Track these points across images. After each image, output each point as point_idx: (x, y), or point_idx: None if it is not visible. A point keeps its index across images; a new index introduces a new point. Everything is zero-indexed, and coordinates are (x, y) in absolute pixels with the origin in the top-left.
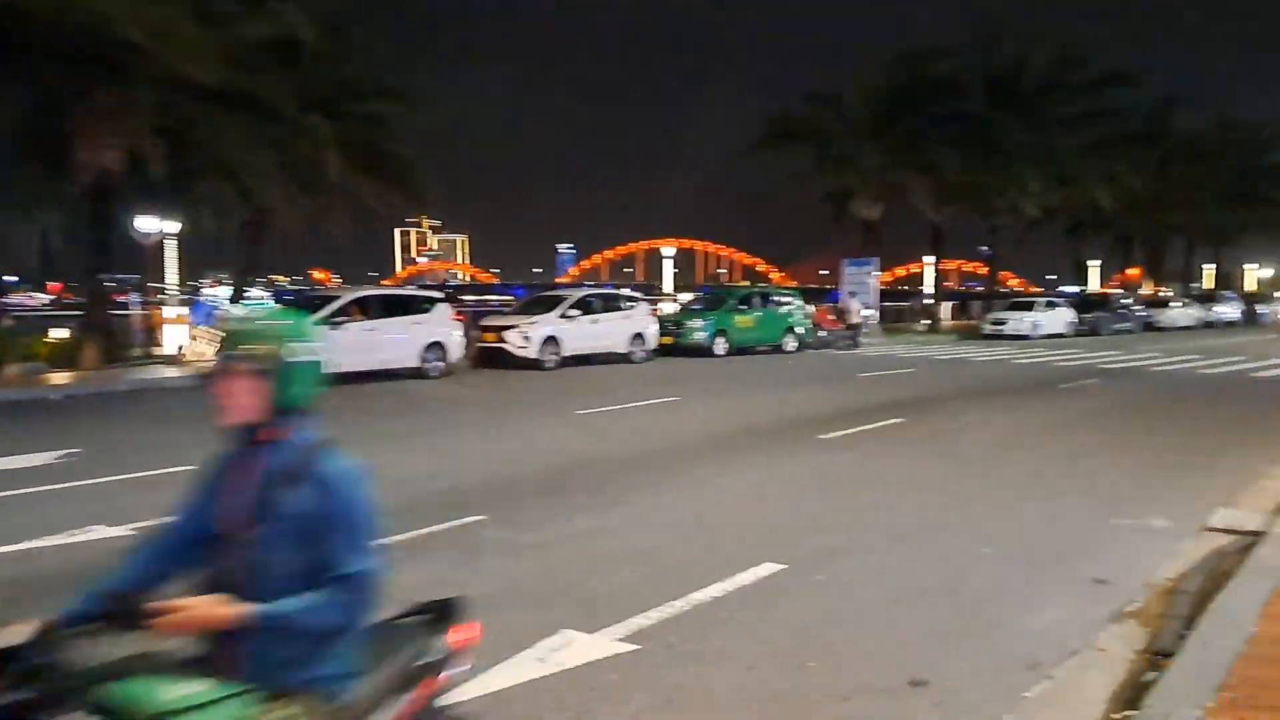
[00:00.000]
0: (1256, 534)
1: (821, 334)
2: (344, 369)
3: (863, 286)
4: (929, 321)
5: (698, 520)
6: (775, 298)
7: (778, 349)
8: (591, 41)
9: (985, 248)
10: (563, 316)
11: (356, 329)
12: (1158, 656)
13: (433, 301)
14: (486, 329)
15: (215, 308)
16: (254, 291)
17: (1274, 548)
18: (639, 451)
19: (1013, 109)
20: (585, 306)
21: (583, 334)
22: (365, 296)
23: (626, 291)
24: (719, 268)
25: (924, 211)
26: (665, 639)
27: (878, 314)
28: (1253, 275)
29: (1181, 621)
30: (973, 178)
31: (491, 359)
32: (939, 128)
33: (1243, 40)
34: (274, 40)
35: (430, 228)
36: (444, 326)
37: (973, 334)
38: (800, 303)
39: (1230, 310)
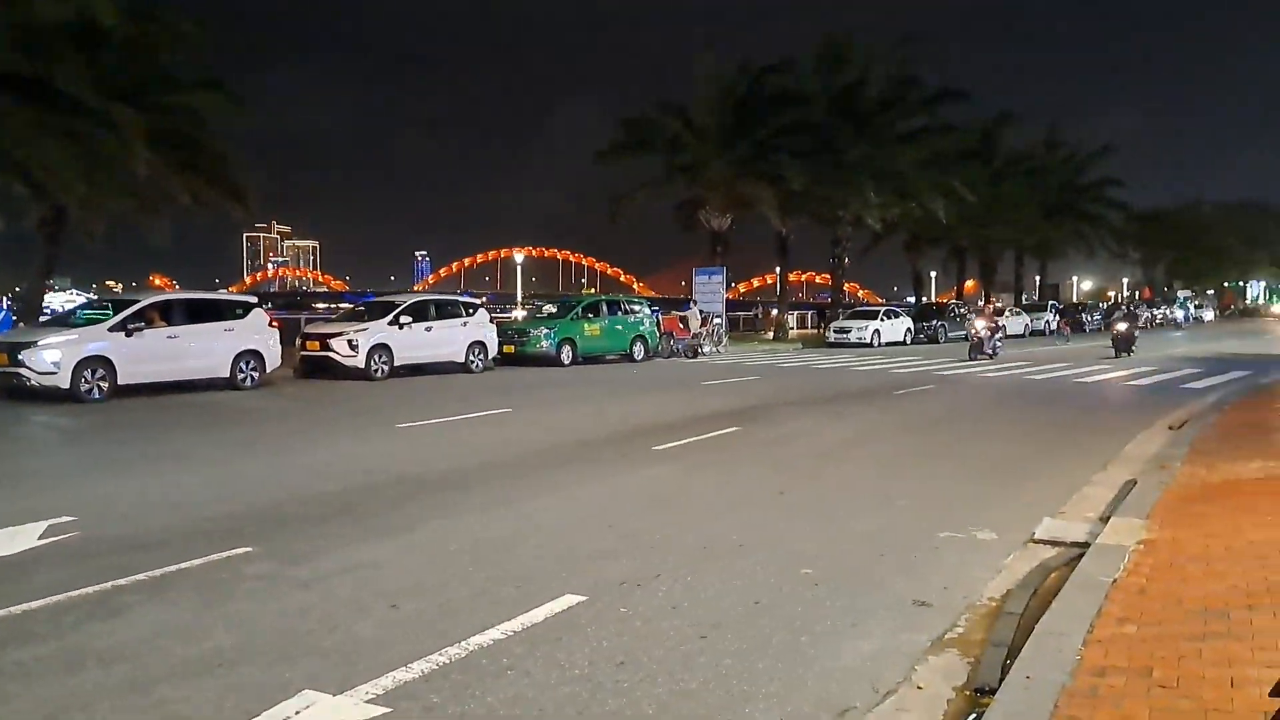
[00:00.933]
0: (1081, 545)
1: (671, 342)
2: (140, 379)
3: (712, 296)
4: (776, 330)
5: (499, 546)
6: (624, 306)
7: (627, 358)
8: (456, 41)
9: (832, 259)
10: (394, 323)
11: (155, 336)
12: (979, 693)
13: (247, 307)
14: (310, 337)
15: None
16: (64, 296)
17: (1097, 561)
18: (454, 468)
19: (855, 123)
20: (420, 313)
21: (416, 342)
22: (167, 301)
23: (465, 298)
24: (582, 277)
25: (771, 223)
26: (427, 697)
27: (725, 323)
28: (1076, 286)
29: (1005, 650)
30: (817, 190)
31: (316, 369)
32: (784, 139)
33: (1067, 66)
34: (72, 23)
35: (280, 233)
36: (259, 334)
37: (818, 343)
38: (649, 311)
39: (1055, 319)
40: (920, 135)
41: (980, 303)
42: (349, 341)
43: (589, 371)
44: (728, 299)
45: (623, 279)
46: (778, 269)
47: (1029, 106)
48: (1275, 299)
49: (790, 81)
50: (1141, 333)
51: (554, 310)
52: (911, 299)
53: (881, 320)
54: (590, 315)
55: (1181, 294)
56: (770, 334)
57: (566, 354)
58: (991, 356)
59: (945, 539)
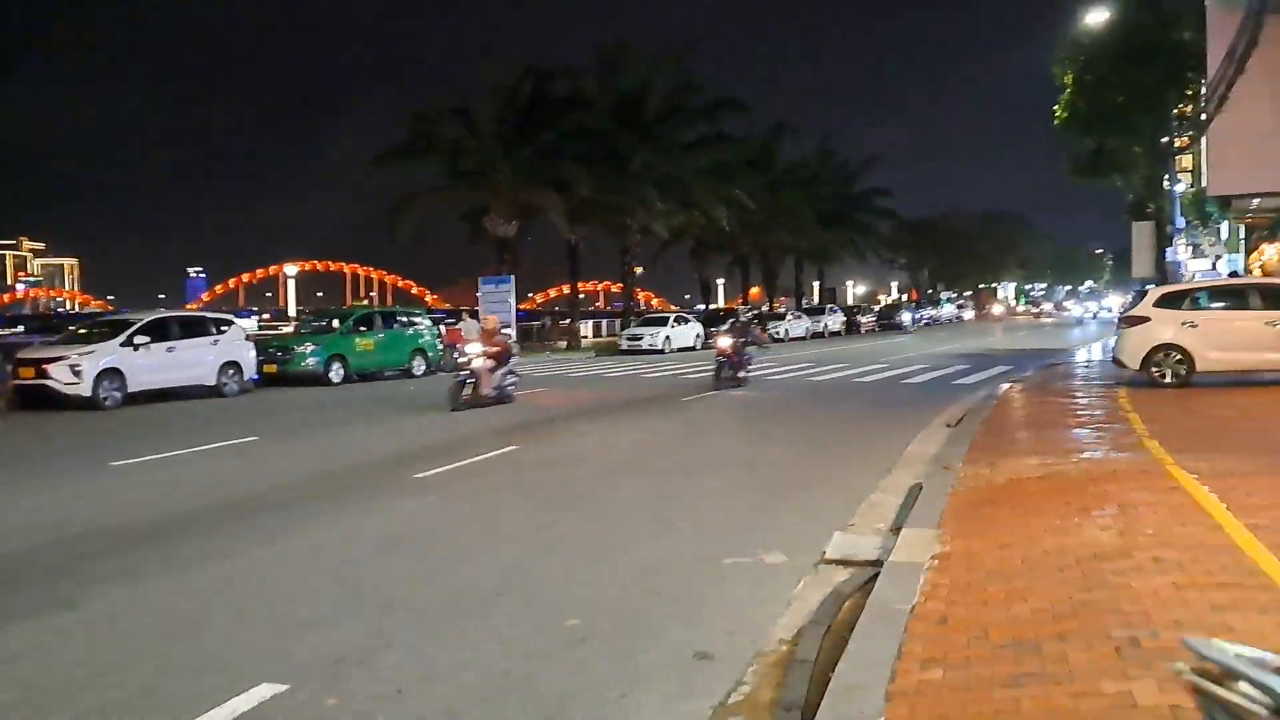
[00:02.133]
0: (875, 563)
1: (455, 355)
2: None
3: (500, 305)
4: (569, 339)
5: (190, 619)
6: (401, 318)
7: (406, 373)
8: (230, 43)
9: (623, 266)
10: (127, 344)
11: None
12: None
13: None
14: (24, 363)
15: None
16: None
17: (893, 583)
18: (167, 515)
19: (638, 131)
20: (160, 332)
21: (156, 365)
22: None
23: (216, 315)
24: (370, 291)
25: (560, 230)
26: None
27: (515, 333)
28: (851, 290)
29: (799, 713)
30: (605, 197)
31: (34, 399)
32: (570, 146)
33: (841, 82)
34: None
35: (32, 251)
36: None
37: (611, 350)
38: (428, 323)
39: (834, 321)
40: (702, 144)
41: (744, 307)
42: (71, 367)
43: (361, 390)
44: (525, 309)
45: (414, 291)
46: (570, 278)
47: (807, 119)
48: (1023, 299)
49: (573, 87)
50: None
51: (322, 324)
52: (702, 306)
53: (672, 326)
54: (363, 328)
55: (945, 295)
56: (564, 343)
57: (337, 371)
58: (740, 383)
59: (731, 566)
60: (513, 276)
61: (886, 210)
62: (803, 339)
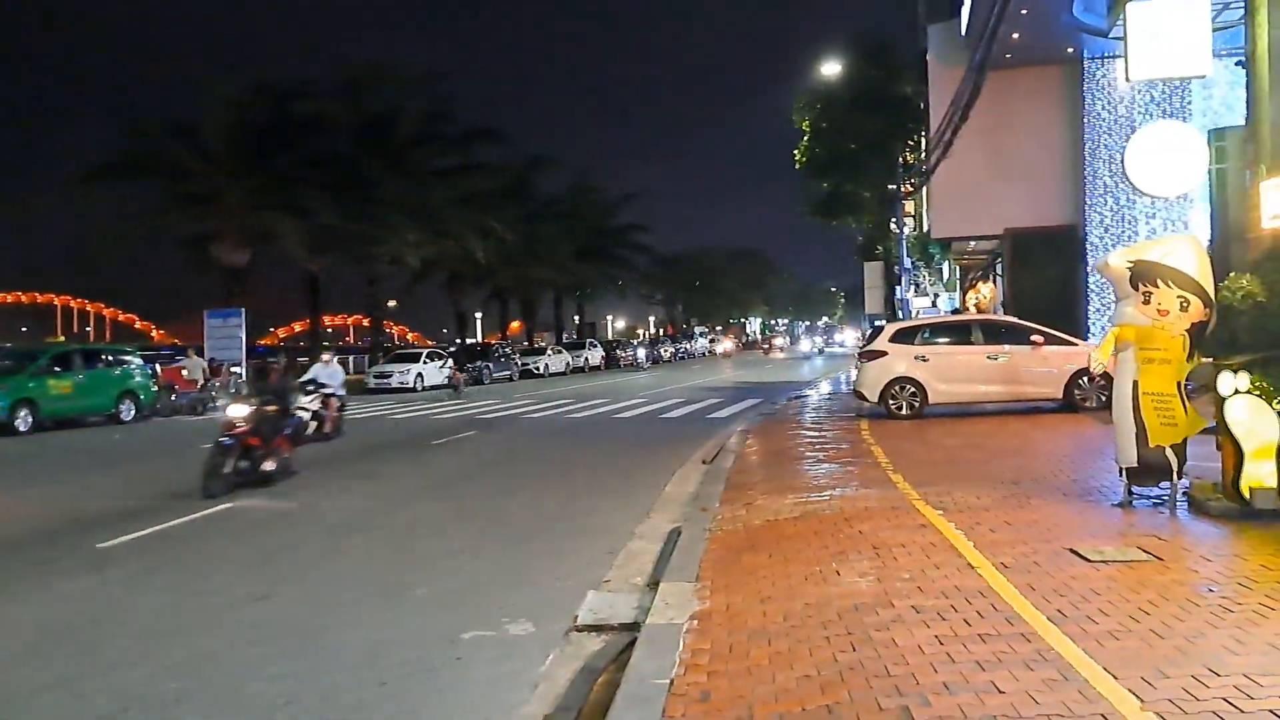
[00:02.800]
0: (631, 627)
1: (173, 397)
2: None
3: (229, 341)
4: None
5: None
6: (106, 356)
7: (114, 418)
8: None
9: (370, 299)
10: None
11: None
12: None
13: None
14: None
15: None
16: None
17: (649, 654)
18: None
19: (388, 158)
20: None
21: None
22: None
23: None
24: (86, 325)
25: (299, 260)
26: None
27: (244, 371)
28: (611, 325)
29: None
30: (349, 225)
31: None
32: (309, 170)
33: (601, 119)
34: None
35: None
36: None
37: (358, 388)
38: (140, 361)
39: (595, 355)
40: (457, 173)
41: (275, 360)
42: None
43: (56, 440)
44: (265, 344)
45: (138, 325)
46: (311, 310)
47: (569, 154)
48: (769, 332)
49: (317, 108)
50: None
51: (7, 365)
52: (462, 340)
53: (424, 363)
54: (59, 369)
55: (697, 329)
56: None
57: (24, 419)
58: (268, 480)
59: (471, 641)
60: (243, 310)
61: (643, 245)
62: (563, 374)
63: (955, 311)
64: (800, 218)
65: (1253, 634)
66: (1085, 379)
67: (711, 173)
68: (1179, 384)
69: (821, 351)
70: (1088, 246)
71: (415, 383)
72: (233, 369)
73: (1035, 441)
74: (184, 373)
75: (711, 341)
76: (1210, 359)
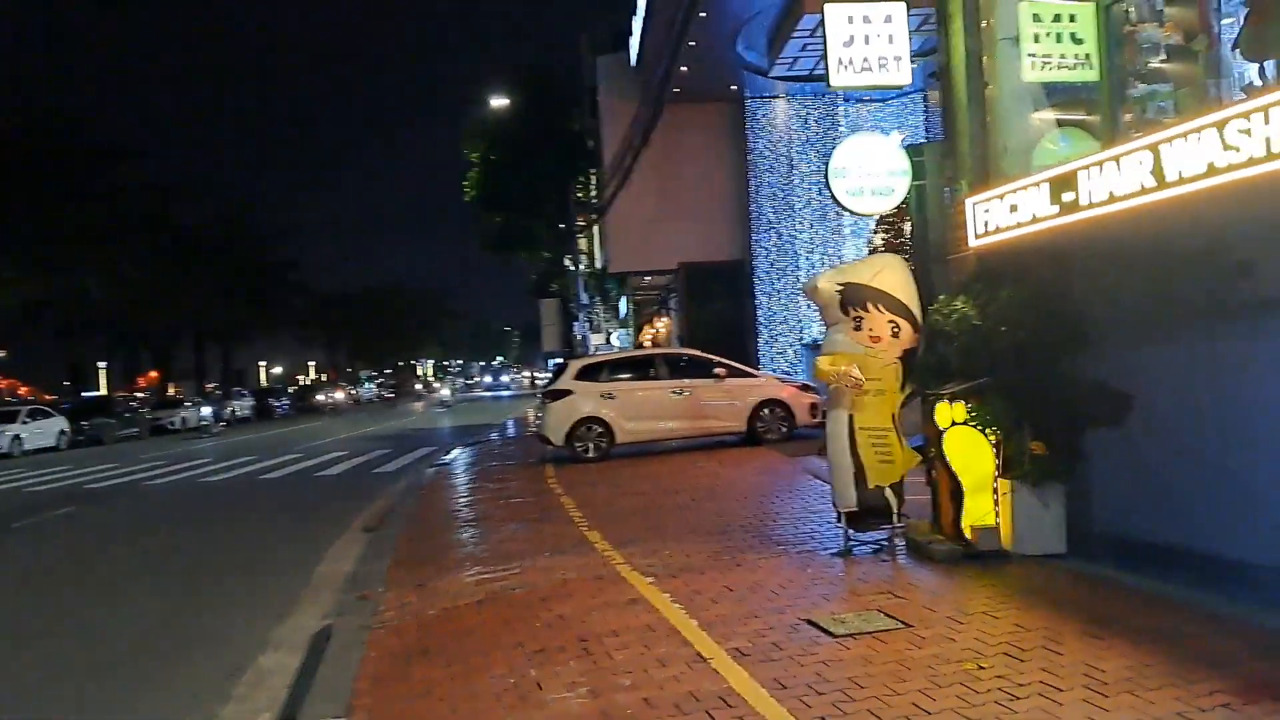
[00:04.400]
0: None
1: None
2: None
3: None
4: None
5: None
6: None
7: None
8: None
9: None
10: None
11: None
12: None
13: None
14: None
15: None
16: None
17: None
18: None
19: None
20: None
21: None
22: None
23: None
24: None
25: None
26: None
27: None
28: (265, 371)
29: None
30: None
31: None
32: None
33: (264, 147)
34: None
35: None
36: None
37: None
38: None
39: (243, 406)
40: (74, 200)
41: None
42: None
43: None
44: None
45: None
46: None
47: (226, 186)
48: (443, 377)
49: None
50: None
51: None
52: (89, 393)
53: (24, 422)
54: None
55: (364, 374)
56: None
57: None
58: None
59: None
60: None
61: (301, 284)
62: (203, 429)
63: (640, 346)
64: (477, 255)
65: None
66: (766, 410)
67: (390, 209)
68: (894, 416)
69: (454, 394)
70: (755, 280)
71: (11, 447)
72: None
73: (729, 480)
74: None
75: (380, 386)
76: (922, 388)
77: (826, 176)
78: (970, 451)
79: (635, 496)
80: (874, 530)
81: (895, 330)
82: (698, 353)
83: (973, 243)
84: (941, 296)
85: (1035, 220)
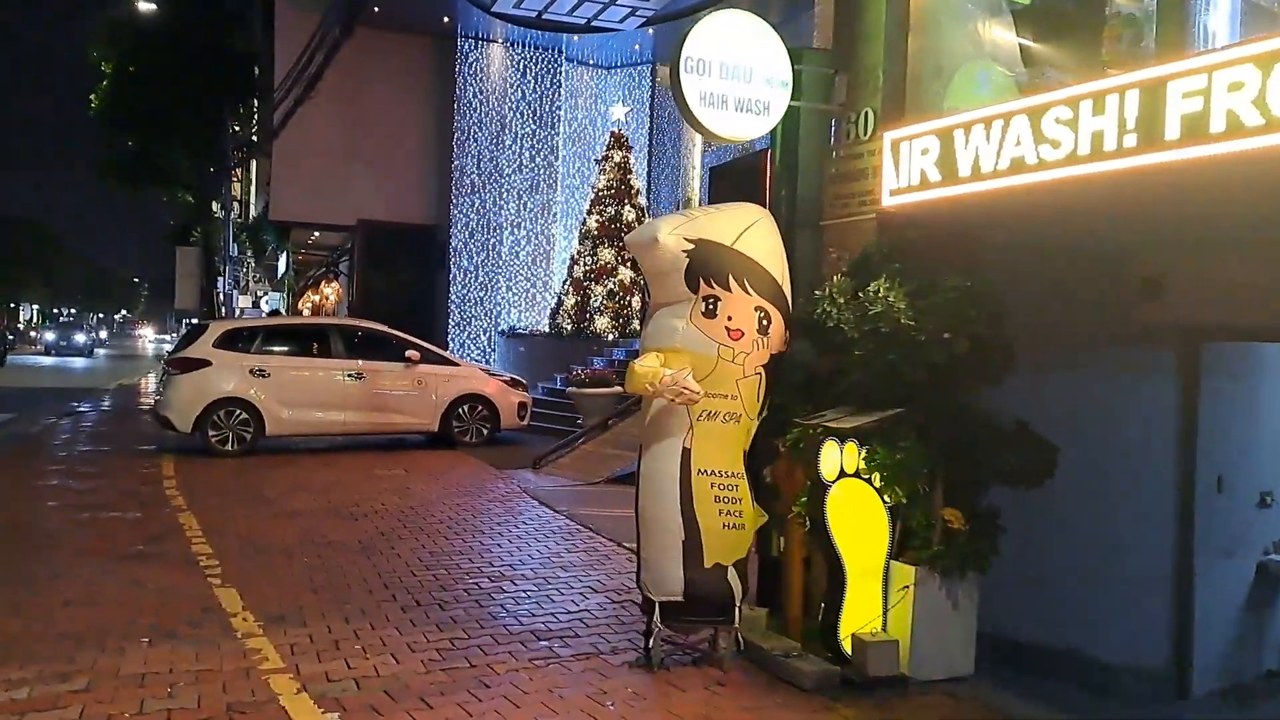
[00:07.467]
0: None
1: None
2: None
3: None
4: None
5: None
6: None
7: None
8: None
9: None
10: None
11: None
12: None
13: None
14: None
15: None
16: None
17: None
18: None
19: None
20: None
21: None
22: None
23: None
24: None
25: None
26: None
27: None
28: None
29: None
30: None
31: None
32: None
33: None
34: None
35: None
36: None
37: None
38: None
39: None
40: None
41: None
42: None
43: None
44: None
45: None
46: None
47: None
48: (48, 322)
49: None
50: None
51: None
52: None
53: None
54: None
55: None
56: None
57: None
58: None
59: None
60: None
61: None
62: None
63: (276, 313)
64: (104, 192)
65: None
66: (466, 407)
67: None
68: (744, 454)
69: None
70: (450, 251)
71: None
72: None
73: (426, 501)
74: None
75: None
76: (787, 417)
77: (675, 70)
78: (861, 518)
79: (293, 519)
80: (698, 628)
81: (765, 322)
82: (384, 328)
83: (889, 201)
84: (837, 278)
85: (977, 175)
